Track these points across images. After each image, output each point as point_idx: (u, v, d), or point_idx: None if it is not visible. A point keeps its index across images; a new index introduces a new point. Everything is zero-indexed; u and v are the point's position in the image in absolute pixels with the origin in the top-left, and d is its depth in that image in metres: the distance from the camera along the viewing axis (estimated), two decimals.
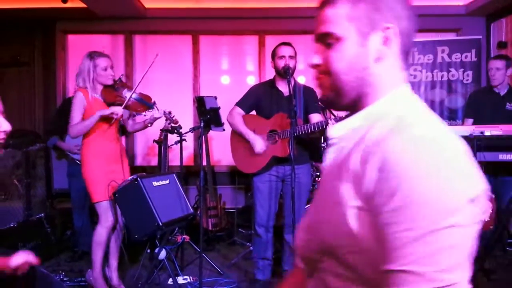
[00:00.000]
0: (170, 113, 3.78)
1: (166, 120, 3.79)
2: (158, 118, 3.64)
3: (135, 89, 3.44)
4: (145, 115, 3.64)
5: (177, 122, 3.85)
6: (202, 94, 5.47)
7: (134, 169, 5.57)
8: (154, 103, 3.52)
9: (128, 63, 5.86)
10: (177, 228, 4.16)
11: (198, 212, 4.86)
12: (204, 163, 5.07)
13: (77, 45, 5.90)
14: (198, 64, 5.91)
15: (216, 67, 6.01)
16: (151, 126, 3.66)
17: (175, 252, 4.13)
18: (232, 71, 6.04)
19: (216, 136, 5.54)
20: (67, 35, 5.94)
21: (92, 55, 3.41)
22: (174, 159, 5.40)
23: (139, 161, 5.93)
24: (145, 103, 3.49)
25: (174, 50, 5.90)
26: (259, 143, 3.48)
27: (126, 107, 3.39)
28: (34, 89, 5.84)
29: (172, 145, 4.69)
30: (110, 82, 3.42)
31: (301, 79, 5.86)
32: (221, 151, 5.74)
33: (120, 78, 3.59)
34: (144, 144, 5.90)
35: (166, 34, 5.87)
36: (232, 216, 5.23)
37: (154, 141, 4.91)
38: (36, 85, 5.85)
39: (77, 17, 5.65)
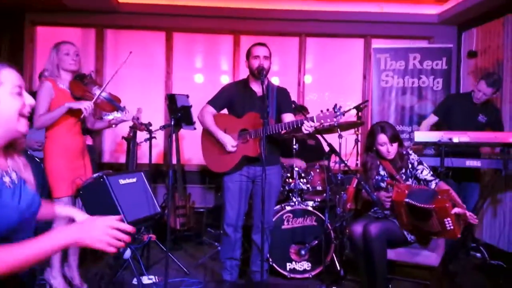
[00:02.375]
0: (138, 118, 3.71)
1: (132, 125, 3.71)
2: (125, 121, 3.56)
3: (105, 87, 3.34)
4: (108, 116, 3.55)
5: (142, 130, 3.78)
6: (174, 92, 5.40)
7: (101, 165, 5.45)
8: (124, 107, 3.43)
9: (98, 57, 5.74)
10: (143, 227, 4.08)
11: (166, 211, 4.79)
12: (174, 161, 5.00)
13: (46, 37, 5.74)
14: (171, 61, 5.84)
15: (189, 65, 5.94)
16: (115, 127, 3.57)
17: (141, 251, 4.05)
18: (206, 70, 5.98)
19: (187, 135, 5.47)
20: (36, 26, 5.77)
21: (57, 43, 3.32)
22: (143, 157, 5.31)
23: (106, 158, 5.80)
24: (114, 103, 3.39)
25: (147, 47, 5.81)
26: (229, 141, 3.44)
27: (94, 105, 3.29)
28: None
29: (142, 142, 4.61)
30: (73, 68, 3.30)
31: (275, 81, 5.86)
32: (191, 149, 5.67)
33: (90, 74, 3.49)
34: (112, 140, 5.78)
35: (139, 29, 5.77)
36: (201, 216, 5.17)
37: (123, 137, 4.80)
38: None
39: (47, 9, 5.49)
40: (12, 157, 1.49)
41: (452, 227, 2.86)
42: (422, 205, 2.88)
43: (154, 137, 4.48)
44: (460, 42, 5.75)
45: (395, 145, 3.29)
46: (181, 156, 5.04)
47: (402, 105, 5.42)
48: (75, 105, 3.18)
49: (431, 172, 3.28)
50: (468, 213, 2.91)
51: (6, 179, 1.43)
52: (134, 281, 3.60)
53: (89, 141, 5.46)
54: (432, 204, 2.86)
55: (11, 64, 1.51)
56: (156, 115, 5.66)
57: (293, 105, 3.62)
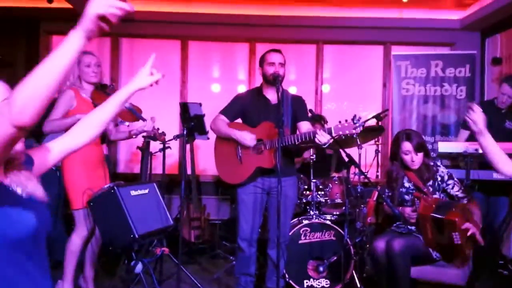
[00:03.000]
0: (158, 129, 3.66)
1: (153, 135, 3.66)
2: (145, 132, 3.50)
3: (128, 98, 3.30)
4: (128, 125, 3.50)
5: (163, 140, 3.71)
6: (189, 101, 5.31)
7: (115, 176, 5.37)
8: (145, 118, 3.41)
9: (114, 66, 5.69)
10: (156, 240, 3.97)
11: (180, 223, 4.68)
12: (189, 172, 4.90)
13: None
14: (186, 70, 5.76)
15: (205, 74, 5.86)
16: (135, 137, 3.52)
17: (154, 265, 3.93)
18: (222, 79, 5.90)
19: (202, 145, 5.37)
20: (52, 36, 5.76)
21: (80, 53, 3.26)
22: (158, 167, 5.20)
23: (121, 168, 5.73)
24: (136, 114, 3.34)
25: (162, 55, 5.74)
26: (247, 136, 3.29)
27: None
28: None
29: (156, 152, 4.52)
30: (94, 80, 3.28)
31: (292, 90, 5.74)
32: (207, 160, 5.57)
33: (112, 85, 3.46)
34: (127, 150, 5.71)
35: (154, 38, 5.72)
36: (216, 228, 5.04)
37: (138, 147, 4.72)
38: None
39: (62, 18, 5.44)
40: (13, 173, 1.39)
41: (459, 242, 2.72)
42: (438, 216, 2.77)
43: (169, 147, 4.39)
44: (484, 48, 5.56)
45: (420, 155, 3.13)
46: (196, 166, 4.93)
47: (424, 114, 5.23)
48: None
49: (462, 188, 3.11)
50: (477, 233, 2.75)
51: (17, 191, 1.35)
52: None
53: (105, 150, 5.42)
54: (444, 215, 2.73)
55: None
56: (171, 125, 5.57)
57: (309, 114, 3.48)
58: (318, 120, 4.44)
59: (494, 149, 2.33)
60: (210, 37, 5.75)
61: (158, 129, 3.70)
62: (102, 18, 1.23)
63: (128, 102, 3.25)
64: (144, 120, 3.37)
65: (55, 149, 1.56)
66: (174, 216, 4.81)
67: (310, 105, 5.73)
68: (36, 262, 1.36)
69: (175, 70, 5.76)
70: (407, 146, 3.13)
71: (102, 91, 3.29)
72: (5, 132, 1.16)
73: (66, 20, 5.46)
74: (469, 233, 2.76)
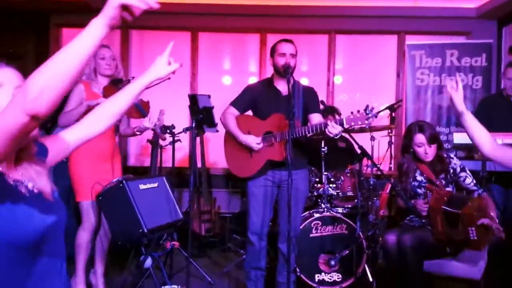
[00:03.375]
0: (162, 125, 3.62)
1: (153, 133, 3.63)
2: (148, 129, 3.47)
3: (139, 94, 3.25)
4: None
5: (164, 139, 3.67)
6: (199, 93, 5.26)
7: (126, 169, 5.35)
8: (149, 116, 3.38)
9: (124, 58, 5.65)
10: (166, 234, 3.95)
11: (190, 217, 4.65)
12: (199, 165, 4.86)
13: (72, 39, 5.68)
14: (196, 61, 5.70)
15: (215, 66, 5.80)
16: (140, 134, 3.49)
17: (164, 259, 3.90)
18: (232, 70, 5.83)
19: (212, 137, 5.32)
20: (62, 28, 5.74)
21: None
22: (168, 160, 5.18)
23: (132, 161, 5.71)
24: (141, 110, 3.30)
25: (172, 47, 5.67)
26: (252, 141, 3.25)
27: None
28: None
29: (166, 145, 4.49)
30: (108, 72, 3.27)
31: (304, 81, 5.65)
32: (217, 152, 5.52)
33: (128, 79, 3.42)
34: (138, 143, 5.69)
35: (164, 30, 5.67)
36: (227, 222, 5.00)
37: (148, 140, 4.69)
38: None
39: (72, 10, 5.45)
40: (22, 165, 1.34)
41: (475, 238, 2.63)
42: (451, 210, 2.67)
43: (179, 140, 4.35)
44: (501, 37, 5.40)
45: (434, 146, 3.04)
46: (206, 159, 4.88)
47: (439, 104, 5.11)
48: (93, 102, 3.08)
49: (474, 181, 3.02)
50: (495, 226, 2.65)
51: (22, 188, 1.29)
52: None
53: None
54: (459, 209, 2.63)
55: (9, 64, 1.39)
56: (181, 117, 5.53)
57: (321, 105, 3.41)
58: (330, 111, 4.36)
59: (476, 128, 2.25)
60: (220, 28, 5.68)
61: (163, 125, 3.65)
62: (125, 8, 1.18)
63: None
64: (145, 116, 3.34)
65: (70, 138, 1.51)
66: (184, 210, 4.79)
67: (322, 96, 5.66)
68: (46, 260, 1.31)
69: (185, 62, 5.70)
70: (420, 138, 3.05)
71: (115, 86, 3.25)
72: (18, 121, 1.10)
73: (76, 12, 5.51)
74: (490, 227, 2.67)
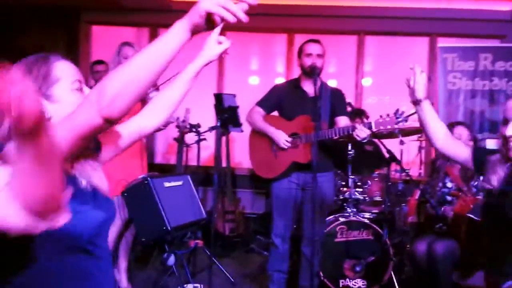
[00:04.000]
0: (184, 121, 3.60)
1: (176, 126, 3.62)
2: (170, 123, 3.46)
3: (157, 87, 3.25)
4: None
5: (186, 132, 3.66)
6: (226, 92, 5.25)
7: (152, 166, 5.37)
8: None
9: None
10: (189, 232, 3.95)
11: (215, 216, 4.65)
12: (224, 164, 4.85)
13: (102, 36, 5.77)
14: (223, 61, 5.69)
15: (242, 65, 5.78)
16: (164, 128, 3.48)
17: (188, 257, 3.90)
18: (259, 70, 5.81)
19: (238, 137, 5.30)
20: (92, 26, 5.81)
21: (121, 43, 3.29)
22: (194, 159, 5.18)
23: (158, 159, 5.74)
24: None
25: (199, 46, 5.68)
26: (282, 137, 3.21)
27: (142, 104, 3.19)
28: None
29: (192, 144, 4.49)
30: None
31: (332, 83, 5.58)
32: (242, 153, 5.47)
33: (155, 89, 3.42)
34: (164, 141, 5.71)
35: None
36: (251, 222, 4.97)
37: (174, 139, 4.70)
38: None
39: (103, 8, 5.51)
40: (79, 162, 1.29)
41: None
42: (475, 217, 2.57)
43: (204, 139, 4.34)
44: None
45: (471, 144, 2.94)
46: (231, 159, 4.87)
47: (472, 109, 4.96)
48: None
49: None
50: None
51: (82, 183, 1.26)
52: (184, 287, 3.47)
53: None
54: None
55: (65, 57, 1.36)
56: (207, 116, 5.52)
57: (349, 107, 3.35)
58: (358, 114, 4.29)
59: (432, 119, 2.13)
60: (247, 28, 5.65)
61: (184, 121, 3.63)
62: (209, 16, 1.13)
63: (156, 92, 3.23)
64: None
65: (126, 133, 1.44)
66: (208, 209, 4.78)
67: (350, 99, 5.57)
68: (97, 256, 1.26)
69: (213, 61, 5.69)
70: (460, 129, 2.97)
71: None
72: (91, 122, 1.06)
73: (107, 10, 5.58)
74: None
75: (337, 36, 5.65)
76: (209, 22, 1.15)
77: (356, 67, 5.65)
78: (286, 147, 3.21)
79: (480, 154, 2.08)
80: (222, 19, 1.14)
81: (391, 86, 5.62)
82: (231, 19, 1.14)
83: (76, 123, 1.07)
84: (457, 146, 2.13)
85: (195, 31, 1.14)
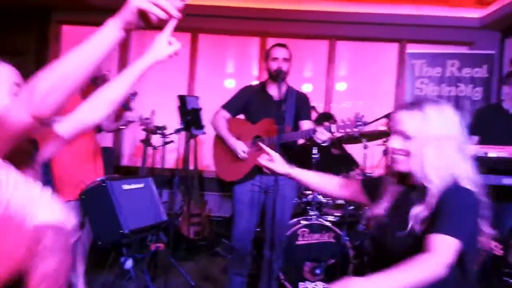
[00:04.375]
0: (147, 118, 3.56)
1: (140, 125, 3.58)
2: (132, 122, 3.41)
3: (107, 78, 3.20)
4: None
5: (153, 132, 3.63)
6: (198, 95, 5.22)
7: (118, 169, 5.33)
8: (131, 107, 3.31)
9: (123, 59, 5.63)
10: (153, 235, 3.90)
11: (180, 219, 4.61)
12: (192, 167, 4.82)
13: (72, 36, 5.69)
14: (195, 63, 5.67)
15: (216, 68, 5.75)
16: (125, 128, 3.44)
17: (148, 261, 3.85)
18: (232, 73, 5.79)
19: (207, 140, 5.27)
20: (62, 25, 5.73)
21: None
22: (163, 162, 5.14)
23: (125, 161, 5.67)
24: (125, 104, 3.26)
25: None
26: (240, 147, 3.22)
27: None
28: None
29: (159, 146, 4.44)
30: None
31: (308, 88, 5.61)
32: (211, 155, 5.46)
33: (105, 74, 3.36)
34: (132, 143, 5.65)
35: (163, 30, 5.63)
36: (217, 225, 4.95)
37: (141, 141, 4.66)
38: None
39: (73, 7, 5.44)
40: (23, 170, 1.25)
41: None
42: None
43: (172, 141, 4.31)
44: (503, 49, 5.32)
45: None
46: (200, 161, 4.84)
47: None
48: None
49: None
50: (493, 244, 2.56)
51: None
52: None
53: (110, 142, 5.38)
54: None
55: (7, 60, 1.34)
56: (175, 119, 5.50)
57: (314, 112, 3.36)
58: (326, 118, 4.30)
59: (308, 177, 2.04)
60: (220, 31, 5.65)
61: (147, 118, 3.61)
62: (142, 13, 1.12)
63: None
64: (129, 110, 3.29)
65: (64, 130, 1.44)
66: (174, 212, 4.74)
67: (322, 103, 5.61)
68: None
69: (183, 63, 5.67)
70: None
71: (92, 83, 3.20)
72: (20, 121, 1.04)
73: (77, 10, 5.50)
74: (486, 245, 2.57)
75: (309, 40, 5.67)
76: (144, 19, 1.14)
77: (327, 72, 5.67)
78: (245, 157, 3.21)
79: (369, 182, 1.94)
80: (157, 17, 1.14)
81: (364, 91, 5.67)
82: (162, 16, 1.13)
83: (5, 124, 1.05)
84: (352, 186, 1.95)
85: (129, 28, 1.14)
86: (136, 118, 3.36)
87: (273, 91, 3.32)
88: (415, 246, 1.44)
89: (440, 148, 1.50)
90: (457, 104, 4.98)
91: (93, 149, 3.28)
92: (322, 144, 3.01)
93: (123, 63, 5.61)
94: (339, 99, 5.73)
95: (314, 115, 4.01)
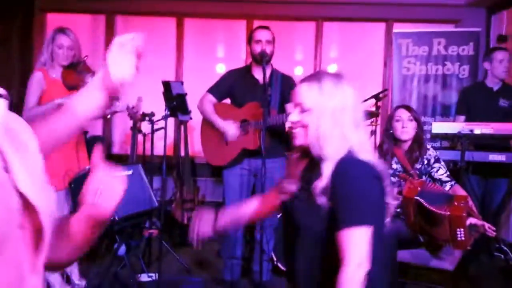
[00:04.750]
0: (133, 107, 3.56)
1: (128, 114, 3.58)
2: (118, 112, 3.41)
3: (93, 74, 3.18)
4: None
5: (138, 119, 3.63)
6: (185, 80, 5.20)
7: (109, 157, 5.32)
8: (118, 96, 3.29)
9: (108, 45, 5.56)
10: (147, 222, 3.93)
11: (173, 205, 4.64)
12: (183, 153, 4.84)
13: (57, 24, 5.60)
14: (182, 48, 5.64)
15: (202, 53, 5.72)
16: (110, 117, 3.43)
17: (143, 247, 3.89)
18: (220, 57, 5.76)
19: (198, 125, 5.27)
20: (46, 13, 5.66)
21: (54, 30, 3.20)
22: (155, 149, 5.13)
23: (116, 149, 5.67)
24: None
25: (158, 33, 5.61)
26: (231, 129, 3.22)
27: None
28: (11, 69, 5.57)
29: (148, 133, 4.44)
30: (64, 63, 3.17)
31: (299, 70, 5.61)
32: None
33: (84, 61, 3.33)
34: (122, 131, 5.63)
35: (149, 15, 5.59)
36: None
37: (130, 128, 4.65)
38: (14, 64, 5.58)
39: None
40: None
41: (463, 238, 2.58)
42: (434, 210, 2.60)
43: (162, 128, 4.31)
44: (489, 25, 5.33)
45: (413, 124, 2.98)
46: (192, 147, 4.85)
47: (425, 94, 5.04)
48: (65, 100, 3.02)
49: (448, 173, 2.98)
50: (486, 225, 2.61)
51: None
52: (137, 277, 3.47)
53: (99, 131, 5.37)
54: (448, 210, 2.58)
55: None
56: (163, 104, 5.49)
57: None
58: None
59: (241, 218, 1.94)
60: (206, 14, 5.60)
61: (133, 107, 3.61)
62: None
63: (90, 76, 3.18)
64: (117, 99, 3.27)
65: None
66: (168, 198, 4.77)
67: None
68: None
69: (170, 48, 5.64)
70: (400, 112, 3.01)
71: (73, 70, 3.19)
72: None
73: None
74: (480, 227, 2.62)
75: (296, 22, 5.65)
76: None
77: (314, 54, 5.67)
78: (234, 139, 3.22)
79: None
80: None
81: (353, 72, 5.67)
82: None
83: None
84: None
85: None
86: (123, 108, 3.35)
87: (258, 74, 3.33)
88: (323, 218, 1.46)
89: (335, 120, 1.49)
90: (445, 82, 5.00)
91: (76, 139, 3.25)
92: None
93: (109, 49, 5.55)
94: None
95: None
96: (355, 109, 1.54)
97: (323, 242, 1.48)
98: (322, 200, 1.46)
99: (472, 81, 4.87)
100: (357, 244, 1.38)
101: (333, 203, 1.44)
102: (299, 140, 1.58)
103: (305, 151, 1.61)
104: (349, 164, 1.47)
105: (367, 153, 1.51)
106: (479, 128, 3.40)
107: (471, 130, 3.37)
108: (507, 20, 5.00)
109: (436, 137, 3.83)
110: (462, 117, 3.98)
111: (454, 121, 4.19)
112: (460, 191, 2.86)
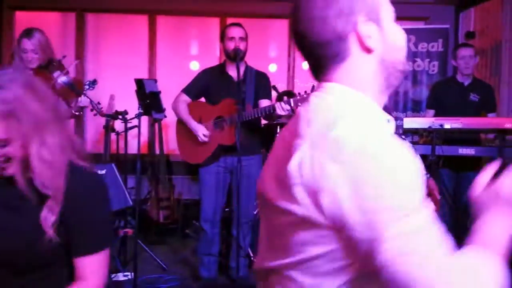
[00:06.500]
0: (99, 103, 3.53)
1: (92, 110, 3.54)
2: (84, 108, 3.38)
3: (66, 72, 3.14)
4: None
5: (103, 115, 3.61)
6: (159, 78, 5.15)
7: None
8: (83, 92, 3.27)
9: (79, 42, 5.49)
10: (122, 221, 3.89)
11: (149, 204, 4.61)
12: (158, 151, 4.82)
13: (26, 22, 5.49)
14: (154, 46, 5.59)
15: (176, 51, 5.68)
16: (79, 114, 3.39)
17: (118, 246, 3.85)
18: (194, 55, 5.73)
19: (173, 123, 5.24)
20: (15, 11, 5.53)
21: (20, 34, 3.17)
22: (130, 148, 5.06)
23: (88, 148, 5.58)
24: (75, 89, 3.20)
25: (130, 31, 5.56)
26: (200, 130, 3.24)
27: (53, 91, 3.08)
28: None
29: (122, 132, 4.39)
30: (31, 66, 3.15)
31: (272, 68, 5.62)
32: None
33: (59, 59, 3.29)
34: (95, 130, 5.55)
35: (121, 13, 5.52)
36: (187, 208, 4.96)
37: (103, 127, 4.58)
38: None
39: None
40: None
41: None
42: None
43: (136, 126, 4.26)
44: (458, 22, 5.46)
45: None
46: (167, 145, 4.81)
47: (396, 90, 5.14)
48: None
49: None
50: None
51: None
52: (112, 277, 3.43)
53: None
54: None
55: None
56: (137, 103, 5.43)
57: (273, 90, 3.40)
58: (288, 95, 4.35)
59: None
60: (178, 12, 5.57)
61: (99, 102, 3.59)
62: None
63: (66, 76, 3.14)
64: (79, 95, 3.25)
65: None
66: (143, 197, 4.72)
67: (284, 82, 5.65)
68: None
69: (142, 46, 5.58)
70: None
71: (45, 68, 3.14)
72: None
73: None
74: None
75: (270, 20, 5.67)
76: None
77: (288, 51, 5.70)
78: (205, 140, 3.24)
79: None
80: None
81: None
82: None
83: None
84: None
85: None
86: (87, 103, 3.32)
87: (232, 71, 3.34)
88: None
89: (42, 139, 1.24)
90: (415, 78, 5.11)
91: None
92: (285, 122, 3.06)
93: (79, 47, 5.47)
94: (304, 78, 5.76)
95: (275, 94, 4.04)
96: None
97: None
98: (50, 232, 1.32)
99: (441, 77, 4.98)
100: (100, 272, 1.36)
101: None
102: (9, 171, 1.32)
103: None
104: (78, 186, 1.36)
105: None
106: (449, 123, 3.49)
107: (441, 125, 3.46)
108: (475, 17, 5.13)
109: (407, 132, 3.90)
110: (432, 111, 4.07)
111: (424, 116, 4.29)
112: (432, 185, 2.93)
